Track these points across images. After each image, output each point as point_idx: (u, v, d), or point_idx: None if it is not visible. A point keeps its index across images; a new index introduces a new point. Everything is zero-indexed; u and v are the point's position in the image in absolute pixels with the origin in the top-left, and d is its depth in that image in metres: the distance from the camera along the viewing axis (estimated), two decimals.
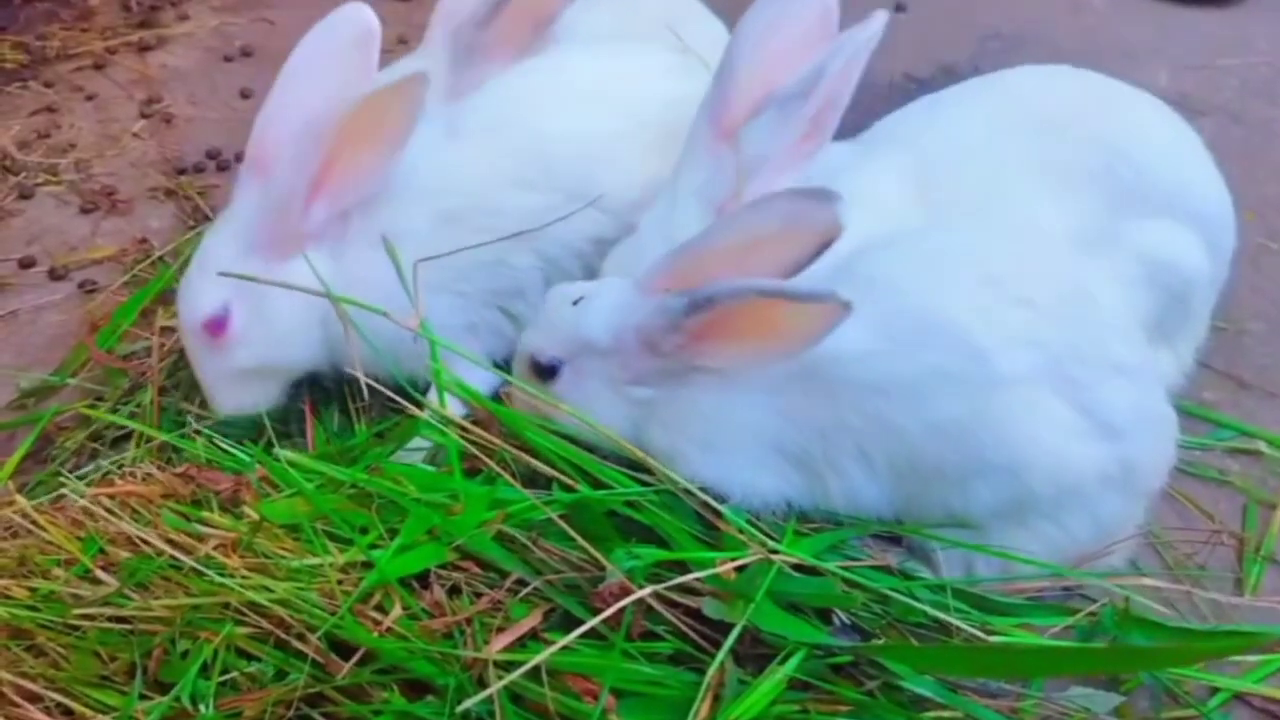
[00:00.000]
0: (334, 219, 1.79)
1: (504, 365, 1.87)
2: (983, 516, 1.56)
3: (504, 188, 1.85)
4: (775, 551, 1.52)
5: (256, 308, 1.79)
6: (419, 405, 1.70)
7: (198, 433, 1.80)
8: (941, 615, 1.50)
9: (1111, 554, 1.61)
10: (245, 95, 3.11)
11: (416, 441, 1.75)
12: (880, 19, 1.67)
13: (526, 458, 1.62)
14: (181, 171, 2.76)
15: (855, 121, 1.90)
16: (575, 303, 1.64)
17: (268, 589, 1.46)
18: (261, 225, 1.77)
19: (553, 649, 1.37)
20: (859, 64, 1.70)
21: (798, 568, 1.52)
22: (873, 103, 2.37)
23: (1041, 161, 1.76)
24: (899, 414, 1.51)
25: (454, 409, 1.71)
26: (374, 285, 1.72)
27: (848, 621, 1.50)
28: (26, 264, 2.46)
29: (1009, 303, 1.51)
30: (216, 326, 1.78)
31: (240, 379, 1.83)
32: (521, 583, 1.51)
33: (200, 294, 1.79)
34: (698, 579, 1.46)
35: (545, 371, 1.66)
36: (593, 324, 1.61)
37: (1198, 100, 1.84)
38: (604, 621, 1.41)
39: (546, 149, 1.87)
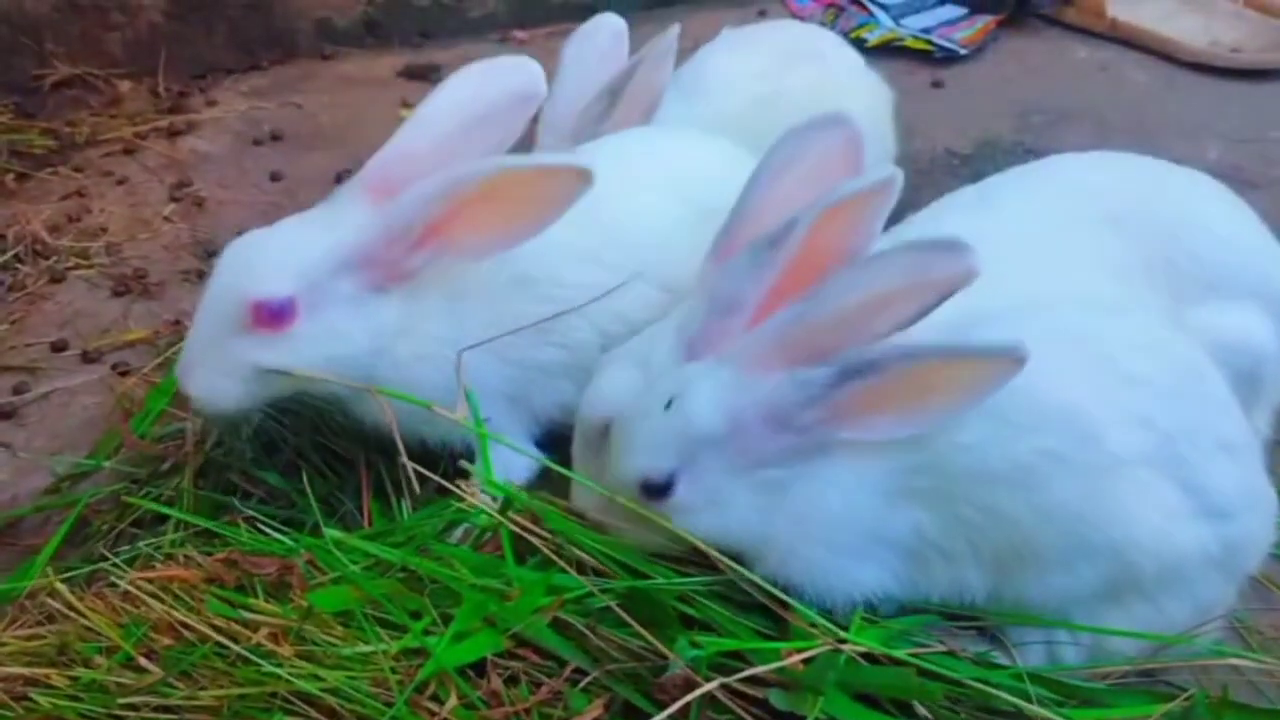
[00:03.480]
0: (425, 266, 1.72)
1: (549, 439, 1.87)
2: (1079, 598, 1.49)
3: (570, 260, 1.82)
4: (843, 641, 1.45)
5: (323, 318, 1.70)
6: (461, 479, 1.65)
7: (240, 516, 1.75)
8: (1022, 704, 1.43)
9: (1199, 637, 1.54)
10: (275, 178, 3.12)
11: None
12: (869, 180, 1.53)
13: (575, 551, 1.56)
14: (213, 254, 2.69)
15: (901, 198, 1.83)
16: (667, 407, 1.50)
17: (318, 678, 1.40)
18: (359, 245, 1.69)
19: None
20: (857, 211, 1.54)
21: (867, 656, 1.45)
22: (916, 179, 2.36)
23: (1101, 255, 1.71)
24: (1010, 502, 1.44)
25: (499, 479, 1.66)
26: (438, 339, 1.73)
27: (928, 715, 1.42)
28: (59, 347, 2.44)
29: (1121, 381, 1.46)
30: (271, 315, 1.68)
31: (249, 376, 1.72)
32: (580, 672, 1.44)
33: (266, 273, 1.68)
34: (767, 671, 1.39)
35: (659, 490, 1.51)
36: (702, 412, 1.47)
37: (1250, 173, 1.81)
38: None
39: (612, 227, 1.85)
